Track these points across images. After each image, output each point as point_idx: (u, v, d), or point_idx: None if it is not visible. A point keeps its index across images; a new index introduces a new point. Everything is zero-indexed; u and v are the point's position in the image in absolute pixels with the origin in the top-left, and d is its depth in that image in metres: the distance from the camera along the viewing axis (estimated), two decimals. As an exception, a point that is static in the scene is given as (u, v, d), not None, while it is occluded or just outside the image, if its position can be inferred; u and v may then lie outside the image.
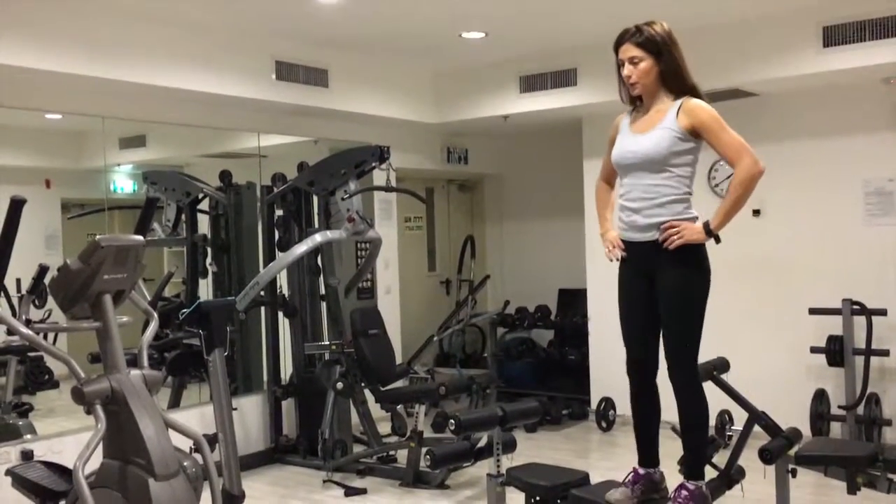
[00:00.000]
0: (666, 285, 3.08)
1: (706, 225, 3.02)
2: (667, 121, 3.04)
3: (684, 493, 3.03)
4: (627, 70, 3.09)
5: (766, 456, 3.83)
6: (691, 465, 3.12)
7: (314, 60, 5.88)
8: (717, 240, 3.03)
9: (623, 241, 3.19)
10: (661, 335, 3.17)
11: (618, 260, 3.23)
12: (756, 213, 6.08)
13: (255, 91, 5.54)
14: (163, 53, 5.01)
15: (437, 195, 8.62)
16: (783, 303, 6.02)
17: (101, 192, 5.55)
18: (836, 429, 5.68)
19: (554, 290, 7.85)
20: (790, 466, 3.93)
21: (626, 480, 3.21)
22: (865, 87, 5.66)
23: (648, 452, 3.24)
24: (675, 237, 3.00)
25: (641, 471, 3.21)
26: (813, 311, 5.69)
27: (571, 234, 7.37)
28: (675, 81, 3.08)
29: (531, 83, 6.42)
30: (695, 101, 3.05)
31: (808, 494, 4.68)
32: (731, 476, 3.88)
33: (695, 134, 3.03)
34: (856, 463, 3.81)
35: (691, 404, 3.12)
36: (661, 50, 3.05)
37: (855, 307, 5.53)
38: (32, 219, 4.03)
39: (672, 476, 3.25)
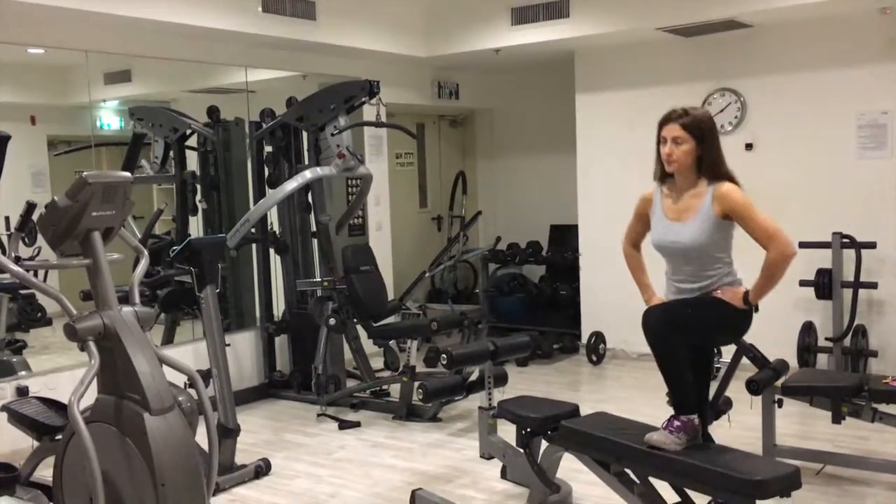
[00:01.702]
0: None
1: (746, 295, 3.11)
2: (703, 211, 3.12)
3: (676, 423, 3.08)
4: (669, 148, 3.15)
5: (753, 387, 3.90)
6: (675, 403, 3.18)
7: (301, -8, 5.76)
8: (756, 309, 3.17)
9: None
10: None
11: None
12: (749, 146, 6.06)
13: (241, 24, 5.42)
14: (146, -15, 4.88)
15: (428, 131, 8.55)
16: (773, 237, 6.03)
17: (88, 128, 5.48)
18: (822, 360, 5.76)
19: (545, 225, 7.85)
20: (777, 397, 4.01)
21: (672, 426, 3.19)
22: (861, 17, 5.58)
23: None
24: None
25: (683, 417, 3.17)
26: (803, 245, 5.67)
27: (564, 170, 7.34)
28: (711, 168, 3.15)
29: (523, 15, 6.31)
30: (726, 187, 3.11)
31: (793, 424, 4.78)
32: (719, 407, 3.94)
33: (727, 217, 3.11)
34: (841, 393, 3.89)
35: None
36: (705, 136, 3.13)
37: (845, 240, 5.56)
38: (18, 156, 3.98)
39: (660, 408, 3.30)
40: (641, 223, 3.39)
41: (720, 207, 3.08)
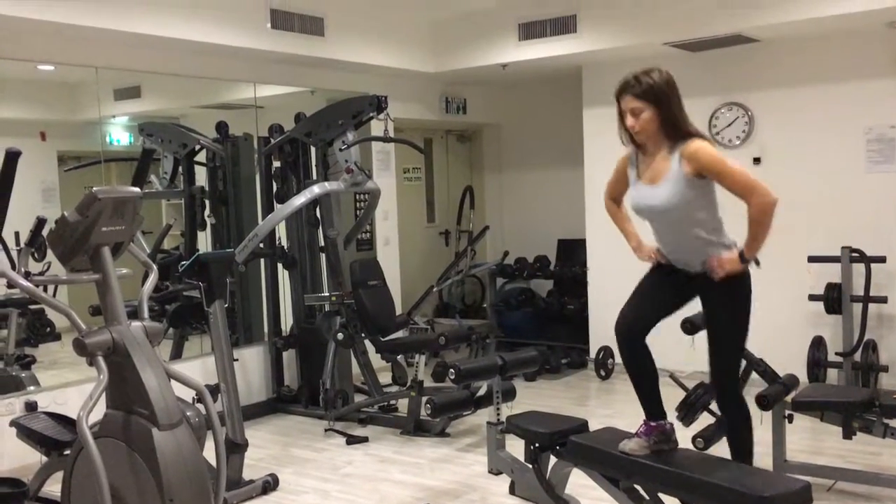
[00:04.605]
0: (712, 311, 3.23)
1: (741, 255, 3.09)
2: (672, 171, 3.08)
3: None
4: (630, 121, 3.15)
5: (763, 402, 3.88)
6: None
7: (310, 8, 5.79)
8: (757, 263, 3.15)
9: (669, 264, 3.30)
10: (707, 351, 3.29)
11: (661, 261, 3.32)
12: (756, 160, 6.05)
13: (250, 40, 5.46)
14: (155, 1, 4.92)
15: (436, 145, 8.57)
16: (782, 250, 5.96)
17: (97, 144, 5.51)
18: (833, 375, 5.73)
19: (553, 240, 7.85)
20: (787, 412, 3.99)
21: (639, 431, 3.24)
22: (869, 31, 5.58)
23: (654, 405, 3.28)
24: (718, 271, 3.10)
25: (652, 423, 3.24)
26: (812, 259, 5.70)
27: (571, 185, 7.34)
28: (675, 129, 3.10)
29: (530, 30, 6.33)
30: (693, 146, 3.06)
31: (804, 440, 4.74)
32: (730, 422, 3.92)
33: (701, 176, 3.07)
34: (851, 408, 3.86)
35: (738, 417, 3.28)
36: (661, 99, 3.08)
37: (854, 255, 5.54)
38: (29, 171, 4.00)
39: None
40: (621, 182, 3.39)
41: (691, 167, 3.04)
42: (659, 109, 3.08)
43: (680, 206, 3.08)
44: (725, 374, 3.28)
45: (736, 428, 3.32)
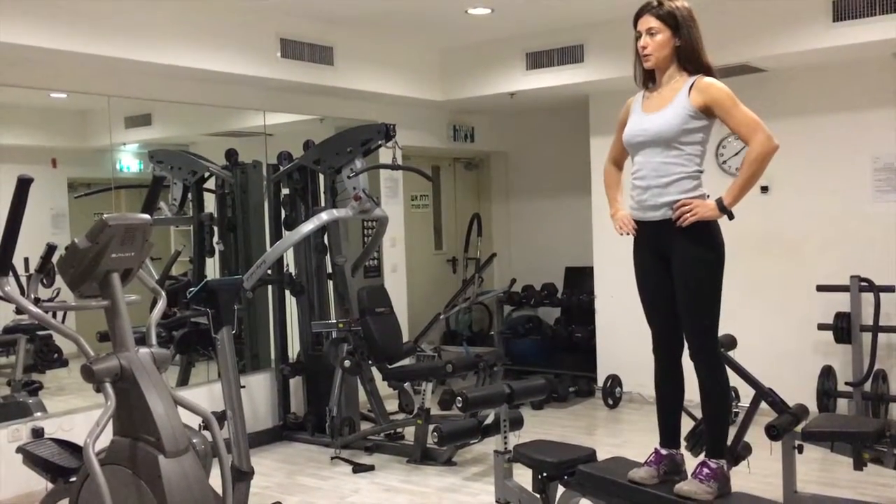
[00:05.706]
0: (681, 264, 3.04)
1: (719, 201, 2.98)
2: (679, 98, 3.01)
3: (706, 471, 3.03)
4: (644, 41, 3.04)
5: (772, 432, 3.85)
6: (713, 444, 3.11)
7: (319, 38, 5.85)
8: (731, 216, 3.02)
9: (635, 220, 3.16)
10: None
11: (629, 234, 3.19)
12: (764, 189, 6.06)
13: (260, 69, 5.51)
14: (167, 31, 4.98)
15: (444, 173, 8.61)
16: (791, 280, 6.01)
17: (108, 171, 5.55)
18: (842, 405, 5.69)
19: (560, 267, 7.84)
20: (797, 443, 3.95)
21: (649, 460, 3.20)
22: (875, 61, 5.61)
23: (671, 433, 3.22)
24: (689, 214, 2.97)
25: (664, 451, 3.20)
26: (821, 288, 5.67)
27: (578, 212, 7.35)
28: (691, 59, 3.04)
29: (538, 60, 6.38)
30: (708, 79, 3.02)
31: (814, 470, 4.70)
32: (738, 452, 3.90)
33: (707, 112, 3.00)
34: (862, 439, 3.82)
35: (713, 382, 3.07)
36: (680, 25, 3.00)
37: (863, 284, 5.52)
38: (39, 198, 4.03)
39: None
40: (622, 133, 3.25)
41: (702, 98, 2.97)
42: (675, 36, 3.00)
43: (674, 133, 2.98)
44: (703, 334, 3.05)
45: (713, 394, 3.08)
